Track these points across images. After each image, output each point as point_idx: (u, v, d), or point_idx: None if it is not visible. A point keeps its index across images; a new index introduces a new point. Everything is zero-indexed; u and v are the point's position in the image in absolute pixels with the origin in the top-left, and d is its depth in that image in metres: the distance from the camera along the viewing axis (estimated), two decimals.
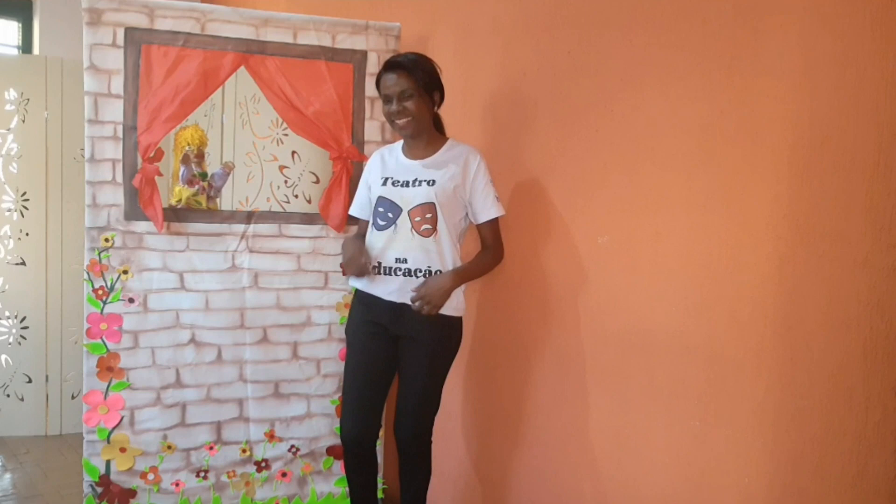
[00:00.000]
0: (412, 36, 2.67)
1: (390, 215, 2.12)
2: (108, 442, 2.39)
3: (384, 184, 2.16)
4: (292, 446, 2.58)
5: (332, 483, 2.64)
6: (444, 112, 2.23)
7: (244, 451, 2.54)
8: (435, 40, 2.64)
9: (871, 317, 1.35)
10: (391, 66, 2.10)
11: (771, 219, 1.52)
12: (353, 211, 2.36)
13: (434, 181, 2.09)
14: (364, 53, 2.55)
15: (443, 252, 2.10)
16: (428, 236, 2.09)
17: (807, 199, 1.46)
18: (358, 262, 2.10)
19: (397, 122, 2.10)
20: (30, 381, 3.63)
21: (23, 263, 3.59)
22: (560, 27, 2.09)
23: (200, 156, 2.46)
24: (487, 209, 2.11)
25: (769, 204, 1.53)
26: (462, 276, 2.10)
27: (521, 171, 2.24)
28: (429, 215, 2.08)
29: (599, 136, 1.96)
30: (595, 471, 2.00)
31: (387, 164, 2.21)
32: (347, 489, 2.40)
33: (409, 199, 2.10)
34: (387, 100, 2.10)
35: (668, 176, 1.76)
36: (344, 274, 2.10)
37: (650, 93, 1.80)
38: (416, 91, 2.07)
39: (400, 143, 2.25)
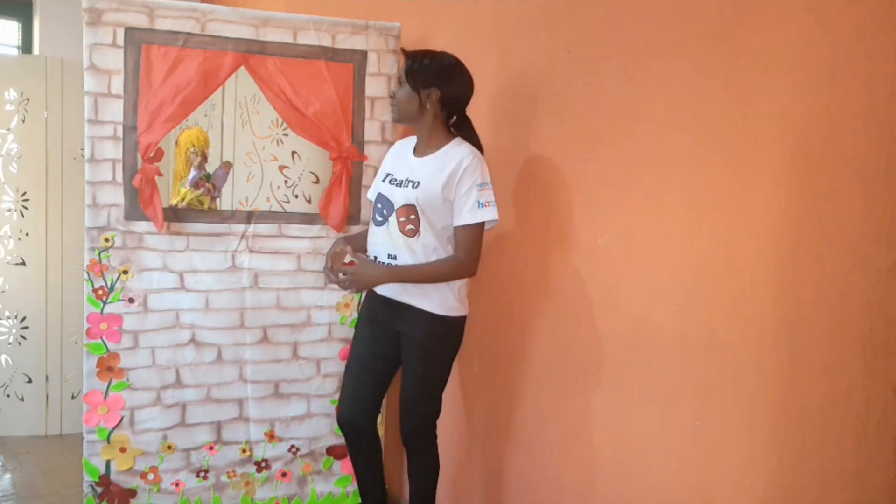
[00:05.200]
0: (412, 36, 2.66)
1: (385, 212, 2.15)
2: (108, 442, 2.39)
3: (383, 180, 2.19)
4: (292, 446, 2.58)
5: (333, 483, 2.64)
6: None
7: (244, 451, 2.54)
8: (435, 40, 2.63)
9: (871, 317, 1.35)
10: (409, 52, 2.15)
11: (771, 219, 1.52)
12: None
13: (419, 183, 2.07)
14: (364, 53, 2.55)
15: (428, 253, 2.07)
16: (412, 236, 2.08)
17: (807, 199, 1.46)
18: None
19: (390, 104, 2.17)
20: (30, 381, 3.63)
21: (23, 263, 3.58)
22: (560, 27, 2.09)
23: (205, 158, 2.47)
24: (461, 214, 2.04)
25: (769, 204, 1.53)
26: (397, 274, 2.07)
27: (521, 171, 2.24)
28: (412, 216, 2.07)
29: (599, 136, 1.96)
30: (595, 471, 2.00)
31: (396, 160, 2.22)
32: (353, 476, 2.42)
33: (398, 198, 2.11)
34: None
35: (668, 176, 1.76)
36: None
37: (650, 93, 1.80)
38: (406, 82, 2.11)
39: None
